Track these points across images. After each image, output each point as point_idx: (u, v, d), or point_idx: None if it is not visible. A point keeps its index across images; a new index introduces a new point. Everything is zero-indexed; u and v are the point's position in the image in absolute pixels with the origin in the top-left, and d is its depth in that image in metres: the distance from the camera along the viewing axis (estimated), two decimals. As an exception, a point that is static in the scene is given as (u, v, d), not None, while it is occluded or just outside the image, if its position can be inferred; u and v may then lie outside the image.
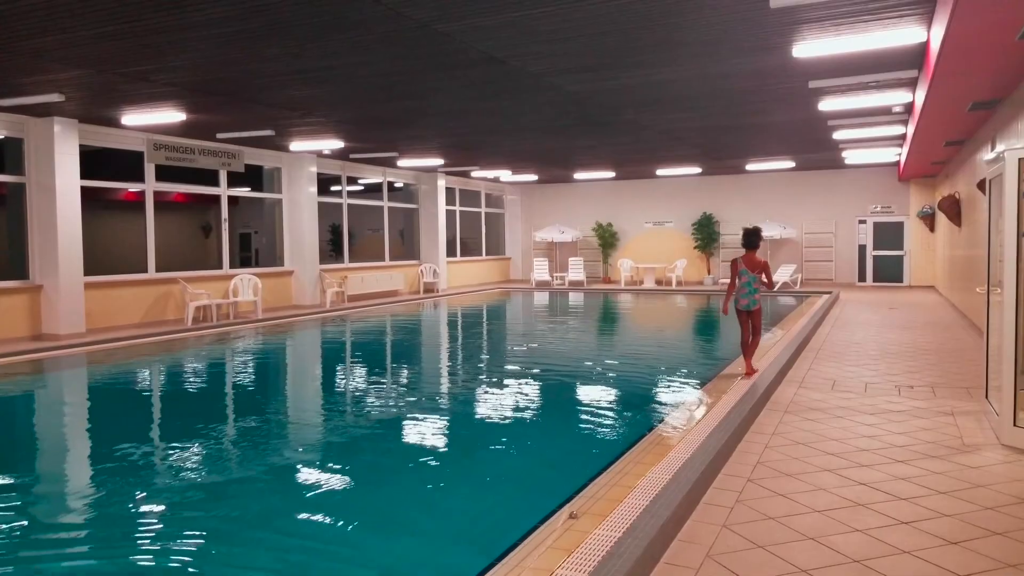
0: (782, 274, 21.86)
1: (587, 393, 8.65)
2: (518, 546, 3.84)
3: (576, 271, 24.88)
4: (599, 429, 6.87)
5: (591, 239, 26.23)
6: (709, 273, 24.50)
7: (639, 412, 7.39)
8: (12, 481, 5.69)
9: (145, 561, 4.13)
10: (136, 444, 6.57)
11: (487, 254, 26.77)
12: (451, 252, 24.17)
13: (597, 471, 5.03)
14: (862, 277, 23.08)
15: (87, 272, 12.87)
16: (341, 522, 4.68)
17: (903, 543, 3.79)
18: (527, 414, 7.57)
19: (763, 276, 8.10)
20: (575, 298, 21.75)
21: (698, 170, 22.64)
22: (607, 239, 25.92)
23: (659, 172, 23.15)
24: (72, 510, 5.07)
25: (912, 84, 10.20)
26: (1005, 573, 3.45)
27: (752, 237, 8.31)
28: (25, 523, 4.78)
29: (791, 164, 21.30)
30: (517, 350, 12.67)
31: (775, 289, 21.26)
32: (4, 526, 4.67)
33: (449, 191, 23.87)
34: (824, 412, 6.63)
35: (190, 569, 4.00)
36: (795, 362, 9.27)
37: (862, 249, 23.07)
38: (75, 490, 5.50)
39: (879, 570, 3.49)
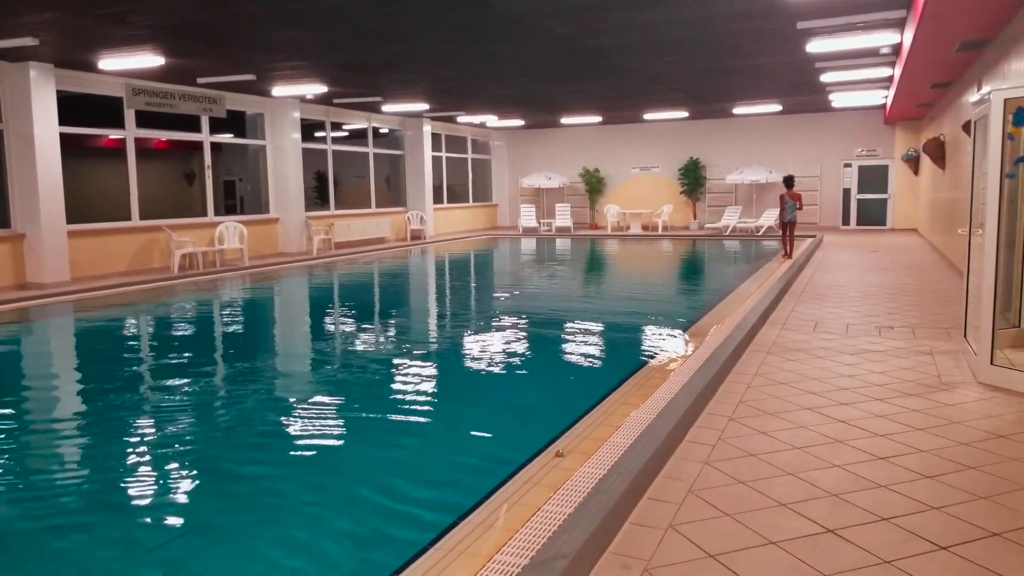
0: (767, 218, 21.93)
1: (575, 335, 8.74)
2: (506, 483, 3.94)
3: (563, 217, 24.84)
4: (587, 370, 6.97)
5: (578, 185, 26.11)
6: (695, 218, 24.51)
7: (626, 353, 7.50)
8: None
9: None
10: (129, 391, 6.62)
11: (474, 201, 26.61)
12: (438, 199, 24.01)
13: (584, 411, 5.13)
14: (846, 220, 23.17)
15: (70, 221, 12.74)
16: (326, 462, 4.77)
17: (879, 477, 3.91)
18: (516, 356, 7.66)
19: (799, 203, 15.02)
20: (562, 244, 21.77)
21: (685, 114, 22.46)
22: (594, 185, 25.81)
23: (646, 116, 22.95)
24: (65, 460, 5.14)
25: (900, 24, 10.11)
26: (977, 504, 3.57)
27: (790, 180, 15.33)
28: (18, 462, 4.85)
29: (778, 108, 21.17)
30: (506, 295, 12.73)
31: (760, 233, 21.53)
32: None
33: (435, 137, 23.60)
34: (806, 352, 6.74)
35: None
36: (778, 304, 9.38)
37: (846, 193, 23.10)
38: (67, 437, 5.56)
39: (855, 503, 3.61)
